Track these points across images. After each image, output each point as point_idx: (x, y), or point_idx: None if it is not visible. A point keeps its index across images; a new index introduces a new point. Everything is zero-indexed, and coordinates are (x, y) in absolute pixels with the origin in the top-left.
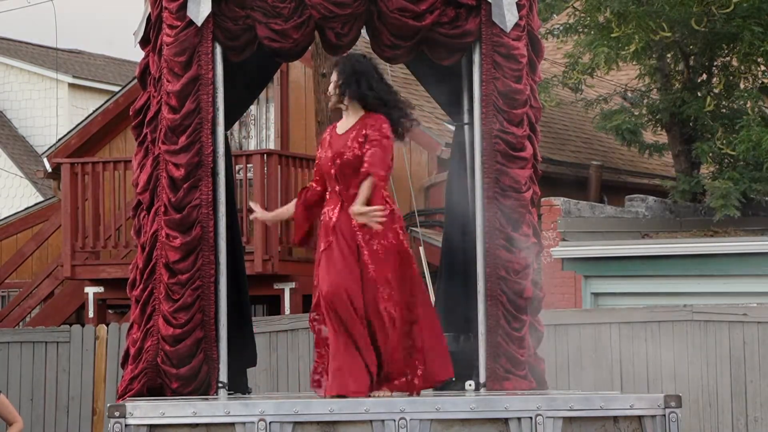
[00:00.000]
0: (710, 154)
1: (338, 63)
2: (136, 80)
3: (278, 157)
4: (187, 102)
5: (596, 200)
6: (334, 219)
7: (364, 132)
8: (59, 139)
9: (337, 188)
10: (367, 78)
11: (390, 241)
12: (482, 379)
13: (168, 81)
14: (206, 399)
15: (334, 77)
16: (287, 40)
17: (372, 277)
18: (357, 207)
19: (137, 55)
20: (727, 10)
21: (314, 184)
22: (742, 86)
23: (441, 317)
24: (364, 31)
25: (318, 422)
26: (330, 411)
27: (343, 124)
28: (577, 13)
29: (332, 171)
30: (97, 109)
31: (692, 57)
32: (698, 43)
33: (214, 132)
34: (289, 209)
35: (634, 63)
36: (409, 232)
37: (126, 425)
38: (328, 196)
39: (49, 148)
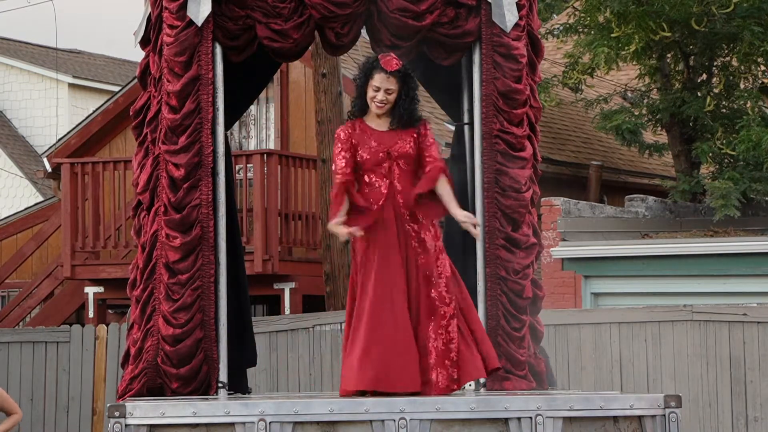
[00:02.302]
0: (710, 154)
1: (400, 75)
2: (136, 80)
3: (278, 157)
4: (187, 102)
5: (596, 200)
6: (382, 212)
7: (413, 133)
8: (59, 139)
9: (383, 181)
10: (415, 95)
11: (436, 232)
12: (482, 379)
13: (168, 81)
14: (206, 399)
15: (390, 85)
16: (287, 40)
17: (422, 265)
18: (465, 214)
19: (137, 55)
20: (727, 10)
21: (348, 174)
22: (742, 86)
23: None
24: (364, 31)
25: (318, 422)
26: (330, 411)
27: (379, 124)
28: (577, 13)
29: (386, 163)
30: (97, 109)
31: (692, 57)
32: (698, 43)
33: (214, 132)
34: (345, 207)
35: (634, 63)
36: None
37: (126, 425)
38: (363, 189)
39: (49, 148)
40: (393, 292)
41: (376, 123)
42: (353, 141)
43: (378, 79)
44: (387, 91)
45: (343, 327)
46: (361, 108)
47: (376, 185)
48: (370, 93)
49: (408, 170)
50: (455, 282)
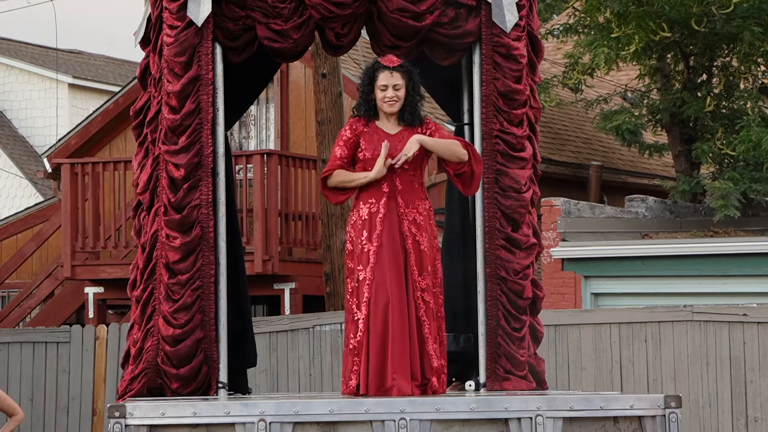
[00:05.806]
0: (710, 155)
1: (404, 70)
2: (136, 80)
3: (278, 157)
4: (187, 102)
5: (596, 200)
6: (382, 211)
7: (425, 133)
8: (59, 140)
9: (385, 179)
10: (420, 90)
11: (433, 235)
12: (482, 379)
13: (168, 81)
14: (206, 399)
15: (396, 80)
16: (287, 40)
17: (412, 265)
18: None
19: (137, 55)
20: (727, 11)
21: (345, 164)
22: (742, 86)
23: None
24: (364, 32)
25: (318, 422)
26: (330, 411)
27: (389, 127)
28: (577, 13)
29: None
30: (97, 109)
31: (692, 57)
32: (698, 44)
33: (214, 132)
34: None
35: (634, 63)
36: None
37: (126, 425)
38: (363, 190)
39: (49, 149)
40: (390, 292)
41: (387, 126)
42: (359, 139)
43: (383, 78)
44: (395, 87)
45: (343, 327)
46: (369, 111)
47: (378, 183)
48: (379, 94)
49: (410, 170)
50: (434, 294)
